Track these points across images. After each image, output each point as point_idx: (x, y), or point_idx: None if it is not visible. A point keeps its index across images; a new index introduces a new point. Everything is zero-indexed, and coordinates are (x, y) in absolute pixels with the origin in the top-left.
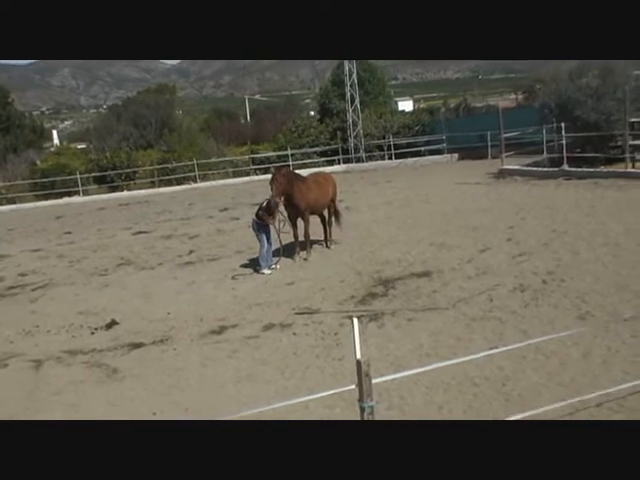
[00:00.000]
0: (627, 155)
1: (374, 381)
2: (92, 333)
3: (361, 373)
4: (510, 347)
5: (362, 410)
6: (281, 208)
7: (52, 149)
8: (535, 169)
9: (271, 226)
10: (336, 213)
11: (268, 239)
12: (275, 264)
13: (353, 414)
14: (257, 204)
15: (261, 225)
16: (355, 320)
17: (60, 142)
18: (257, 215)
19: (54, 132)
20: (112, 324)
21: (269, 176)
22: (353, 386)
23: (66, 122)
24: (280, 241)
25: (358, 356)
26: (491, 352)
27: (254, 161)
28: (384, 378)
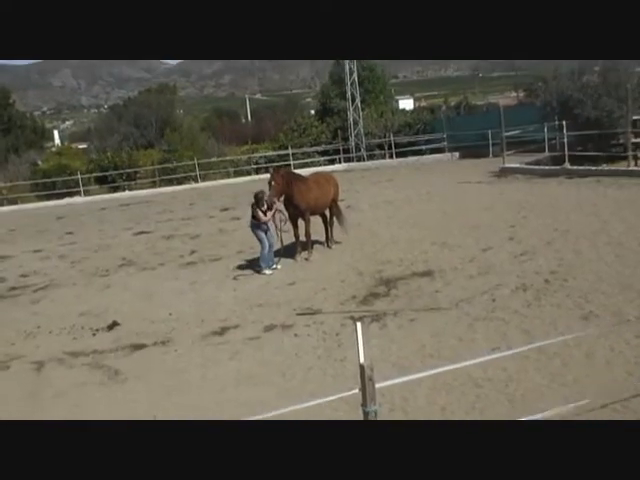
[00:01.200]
0: (629, 153)
1: (377, 385)
2: (93, 334)
3: (364, 377)
4: (513, 351)
5: (366, 414)
6: (281, 207)
7: (53, 149)
8: (537, 167)
9: (271, 226)
10: (338, 215)
11: (269, 239)
12: (276, 264)
13: (356, 417)
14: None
15: (258, 225)
16: (358, 324)
17: (61, 142)
18: (252, 215)
19: (55, 132)
20: (113, 325)
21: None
22: (356, 390)
23: (67, 122)
24: (281, 240)
25: (362, 360)
26: (495, 356)
27: (255, 161)
28: (387, 382)
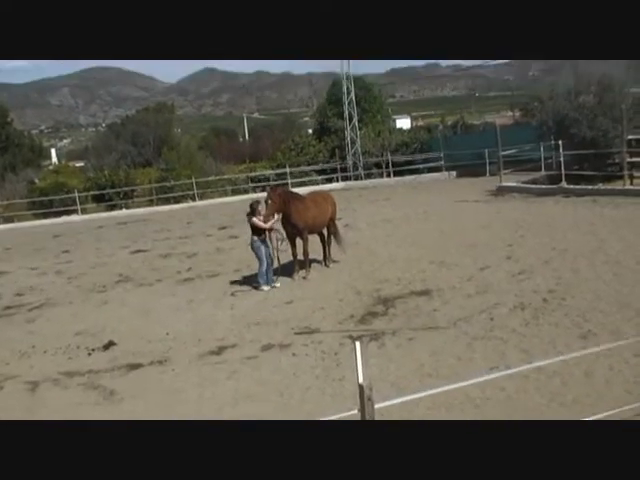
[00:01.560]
0: (625, 172)
1: (376, 406)
2: (89, 354)
3: (364, 397)
4: (512, 370)
5: None
6: (278, 225)
7: (50, 167)
8: (533, 186)
9: (270, 244)
10: (336, 234)
11: (268, 257)
12: (275, 282)
13: None
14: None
15: (261, 240)
16: (357, 343)
17: (58, 160)
18: (252, 231)
19: (53, 150)
20: (109, 345)
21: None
22: (355, 410)
23: (65, 140)
24: (278, 259)
25: (360, 380)
26: (493, 375)
27: (252, 179)
28: (386, 403)
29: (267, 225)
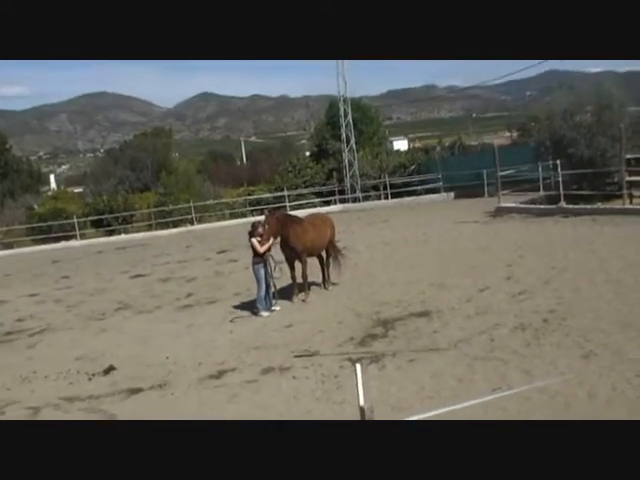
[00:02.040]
0: (624, 192)
1: None
2: (89, 379)
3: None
4: (514, 391)
5: None
6: (276, 252)
7: (49, 193)
8: (532, 207)
9: (269, 268)
10: (336, 254)
11: (267, 281)
12: (274, 306)
13: None
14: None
15: (261, 262)
16: (358, 366)
17: (57, 186)
18: (253, 252)
19: (51, 176)
20: (110, 369)
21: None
22: None
23: (63, 166)
24: (274, 284)
25: (361, 403)
26: (495, 396)
27: (251, 203)
28: None
29: (261, 250)
